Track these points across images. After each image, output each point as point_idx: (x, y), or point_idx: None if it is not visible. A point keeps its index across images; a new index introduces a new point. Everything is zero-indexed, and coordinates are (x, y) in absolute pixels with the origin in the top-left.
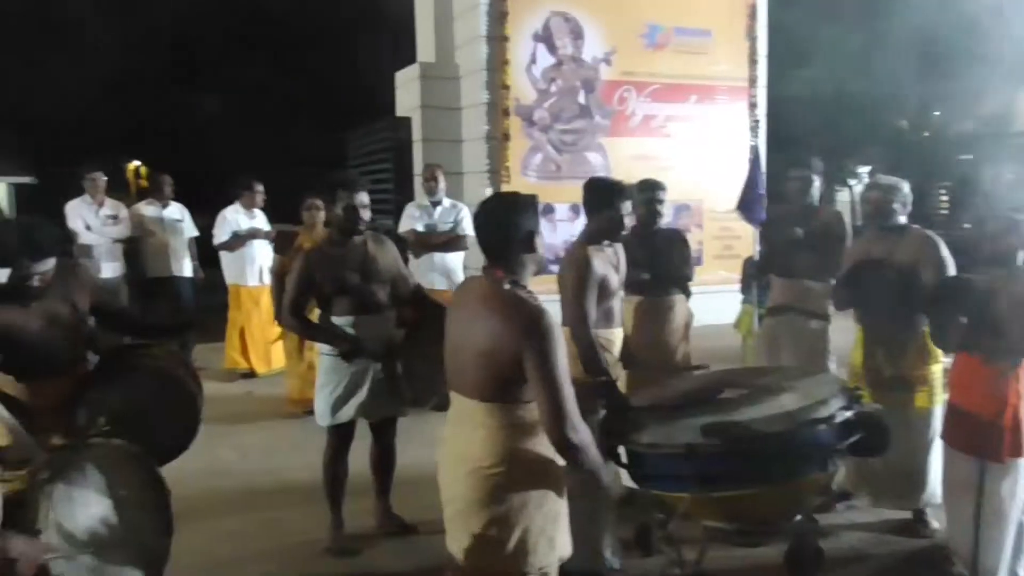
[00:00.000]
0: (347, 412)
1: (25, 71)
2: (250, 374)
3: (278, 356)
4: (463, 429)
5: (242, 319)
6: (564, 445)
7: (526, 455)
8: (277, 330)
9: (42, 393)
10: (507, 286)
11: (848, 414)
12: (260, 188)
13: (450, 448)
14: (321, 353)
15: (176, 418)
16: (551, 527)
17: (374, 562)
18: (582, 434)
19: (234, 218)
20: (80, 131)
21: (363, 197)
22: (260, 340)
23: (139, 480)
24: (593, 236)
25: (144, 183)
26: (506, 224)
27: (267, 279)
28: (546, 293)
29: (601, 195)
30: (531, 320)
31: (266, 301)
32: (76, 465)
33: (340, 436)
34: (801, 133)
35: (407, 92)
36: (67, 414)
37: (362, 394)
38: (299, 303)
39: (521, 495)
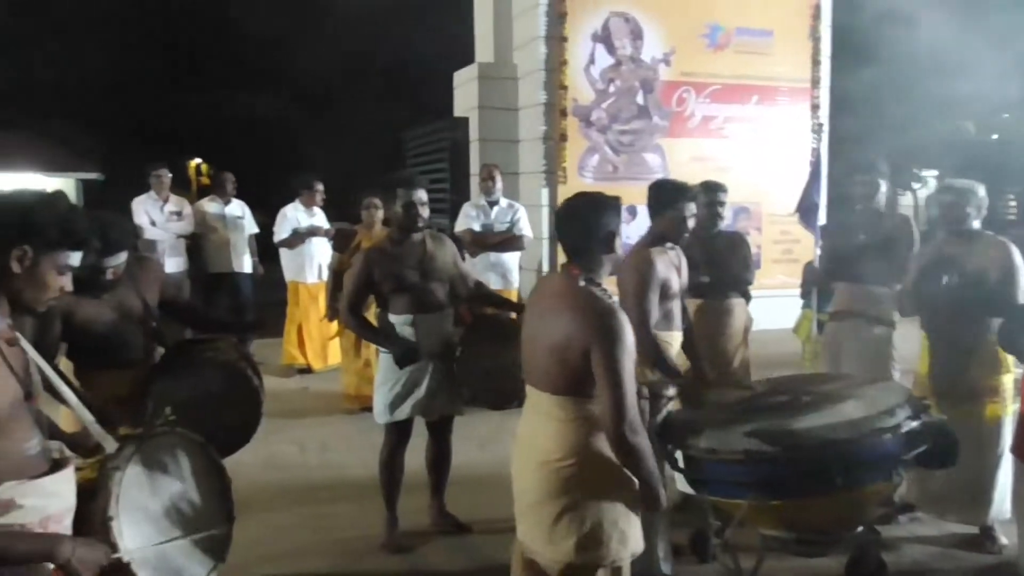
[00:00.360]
0: (405, 410)
1: (92, 71)
2: (307, 370)
3: (334, 352)
4: (536, 421)
5: (300, 315)
6: (621, 444)
7: (597, 449)
8: (334, 327)
9: (112, 384)
10: (582, 283)
11: (914, 424)
12: (320, 187)
13: (523, 440)
14: (380, 351)
15: (239, 410)
16: (623, 521)
17: (427, 560)
18: (640, 437)
19: (294, 216)
20: (144, 128)
21: (422, 195)
22: (317, 336)
23: (202, 467)
24: (656, 238)
25: (205, 180)
26: (588, 223)
27: (325, 276)
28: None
29: (666, 196)
30: (602, 317)
31: (324, 298)
32: (144, 453)
33: (397, 434)
34: (864, 135)
35: (465, 92)
36: (136, 405)
37: (420, 392)
38: (358, 301)
39: (592, 488)
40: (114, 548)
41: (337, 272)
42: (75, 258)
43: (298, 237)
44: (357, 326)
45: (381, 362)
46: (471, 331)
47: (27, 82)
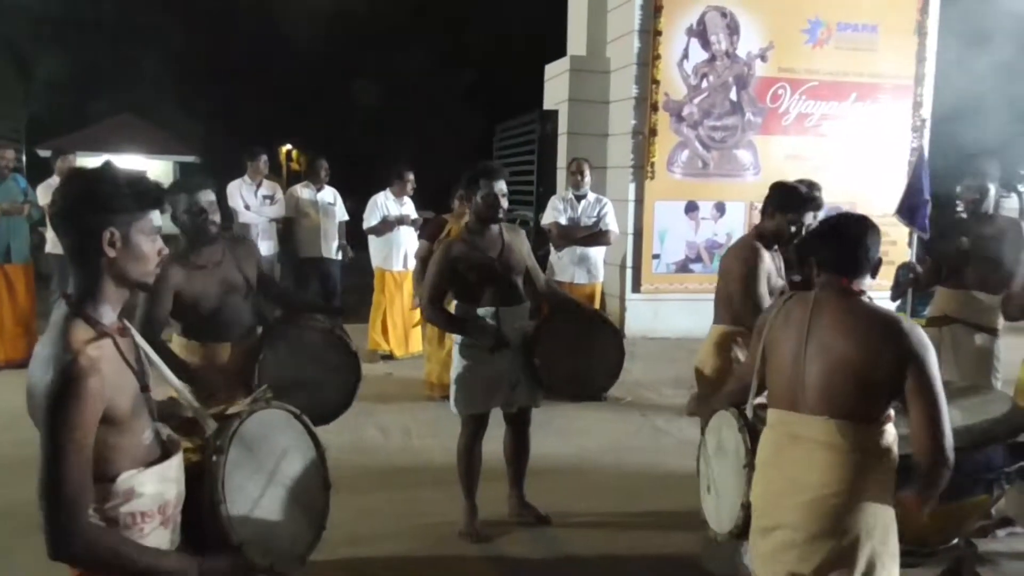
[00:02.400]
0: (485, 403)
1: (187, 57)
2: (390, 356)
3: (416, 340)
4: (798, 450)
5: (386, 302)
6: (939, 461)
7: (874, 482)
8: (417, 315)
9: (222, 357)
10: (867, 299)
11: (1021, 437)
12: (411, 176)
13: (780, 471)
14: (456, 343)
15: (341, 377)
16: (891, 564)
17: (504, 550)
18: (952, 453)
19: (384, 204)
20: (239, 114)
21: (502, 186)
22: (400, 324)
23: (297, 438)
24: (764, 236)
25: (296, 166)
26: (866, 245)
27: (411, 264)
28: (682, 292)
29: (791, 202)
30: (912, 333)
31: (409, 286)
32: (244, 432)
33: (475, 424)
34: (967, 135)
35: (556, 85)
36: (239, 381)
37: (500, 384)
38: (438, 293)
39: (866, 526)
40: (226, 534)
41: (424, 260)
42: (157, 217)
43: (387, 225)
44: (439, 317)
45: (457, 355)
46: (550, 323)
47: (131, 68)
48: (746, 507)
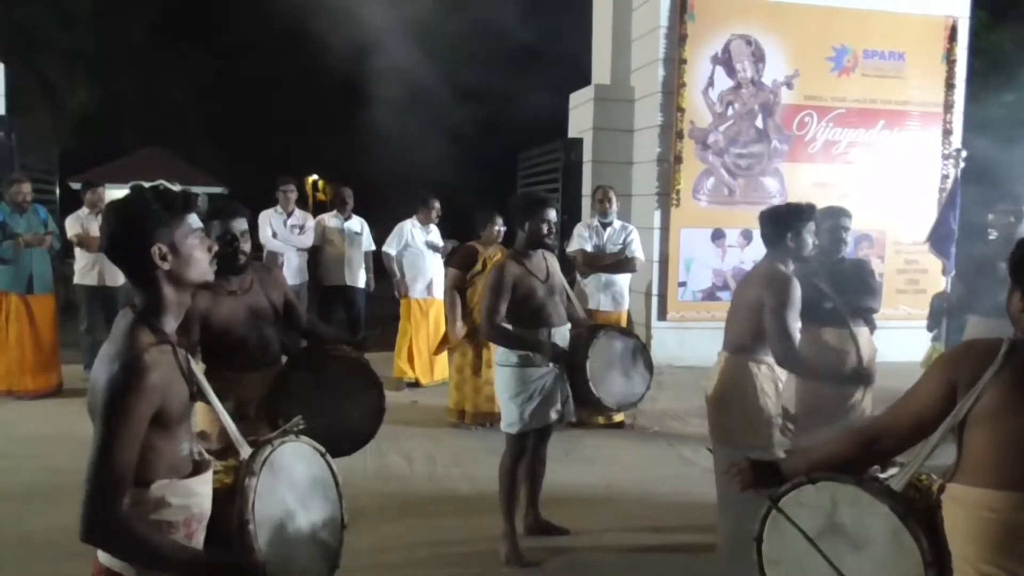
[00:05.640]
0: (543, 417)
1: (214, 90)
2: (415, 383)
3: (441, 367)
4: None
5: (411, 330)
6: None
7: None
8: (436, 343)
9: (244, 386)
10: None
11: None
12: (436, 204)
13: None
14: (501, 365)
15: (366, 408)
16: None
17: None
18: None
19: (410, 231)
20: (265, 145)
21: (554, 214)
22: (426, 351)
23: (320, 475)
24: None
25: (322, 196)
26: None
27: (435, 292)
28: (708, 320)
29: (782, 220)
30: None
31: (434, 313)
32: (275, 459)
33: (521, 444)
34: (997, 163)
35: (581, 113)
36: (266, 408)
37: (555, 398)
38: (498, 313)
39: None
40: (251, 550)
41: (458, 288)
42: (195, 219)
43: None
44: (502, 336)
45: (507, 375)
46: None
47: (161, 101)
48: None
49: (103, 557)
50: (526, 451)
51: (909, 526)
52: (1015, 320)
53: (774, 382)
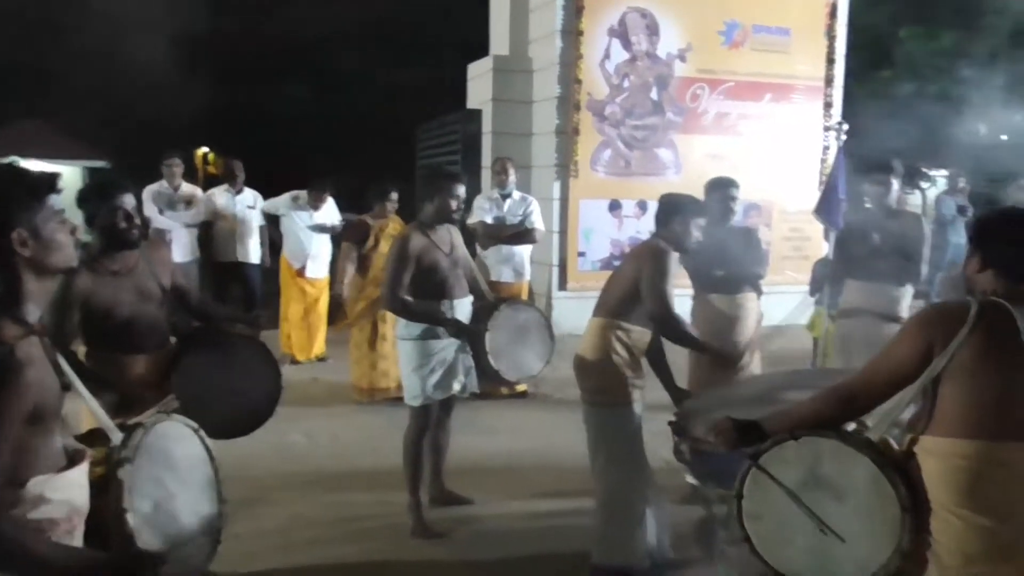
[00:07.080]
0: (445, 388)
1: (97, 57)
2: (293, 360)
3: (319, 343)
4: None
5: (283, 304)
6: None
7: None
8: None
9: (134, 369)
10: None
11: None
12: (327, 196)
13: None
14: (402, 339)
15: (262, 385)
16: None
17: (437, 548)
18: None
19: (287, 206)
20: (152, 117)
21: (463, 190)
22: (300, 327)
23: (196, 453)
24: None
25: (212, 169)
26: None
27: (319, 272)
28: (596, 290)
29: (669, 209)
30: None
31: (312, 291)
32: (149, 442)
33: (425, 416)
34: (873, 134)
35: (479, 85)
36: (156, 393)
37: (457, 370)
38: (402, 285)
39: None
40: (131, 540)
41: (352, 261)
42: (57, 200)
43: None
44: (404, 309)
45: (409, 348)
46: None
47: (38, 71)
48: (904, 554)
49: None
50: (430, 423)
51: (887, 474)
52: (970, 280)
53: (628, 346)
